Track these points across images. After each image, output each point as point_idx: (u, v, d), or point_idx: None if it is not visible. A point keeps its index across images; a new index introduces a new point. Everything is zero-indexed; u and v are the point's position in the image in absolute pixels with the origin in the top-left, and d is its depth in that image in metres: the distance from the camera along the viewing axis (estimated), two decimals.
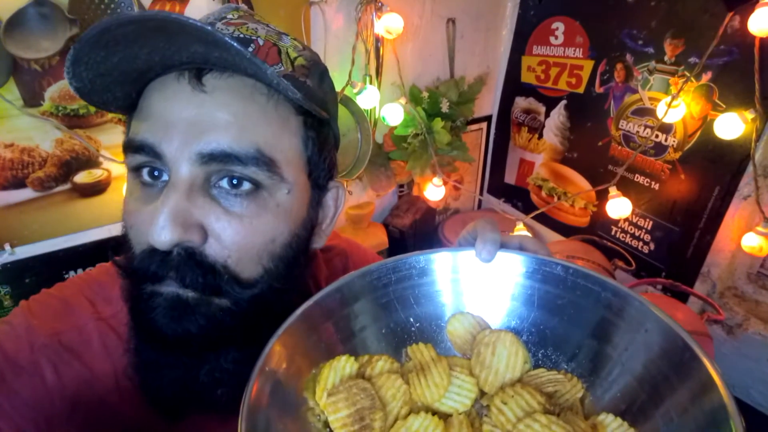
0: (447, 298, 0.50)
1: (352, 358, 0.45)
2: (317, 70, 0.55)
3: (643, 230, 1.57)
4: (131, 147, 0.48)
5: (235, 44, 0.41)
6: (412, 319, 0.50)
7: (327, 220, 0.60)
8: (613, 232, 1.67)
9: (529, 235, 0.52)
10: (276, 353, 0.41)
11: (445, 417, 0.43)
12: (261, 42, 0.49)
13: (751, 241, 1.26)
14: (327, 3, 1.38)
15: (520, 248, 0.49)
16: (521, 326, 0.49)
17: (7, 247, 1.15)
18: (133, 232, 0.49)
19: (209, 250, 0.47)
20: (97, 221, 1.26)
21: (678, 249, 1.49)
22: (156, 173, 0.48)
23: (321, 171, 0.56)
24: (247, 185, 0.48)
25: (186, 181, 0.46)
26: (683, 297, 1.47)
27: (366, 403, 0.42)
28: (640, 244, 1.60)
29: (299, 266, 0.55)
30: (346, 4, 1.42)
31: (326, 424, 0.43)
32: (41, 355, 0.52)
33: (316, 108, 0.52)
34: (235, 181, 0.48)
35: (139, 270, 0.48)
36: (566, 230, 1.83)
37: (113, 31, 0.41)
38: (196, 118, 0.46)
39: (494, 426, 0.42)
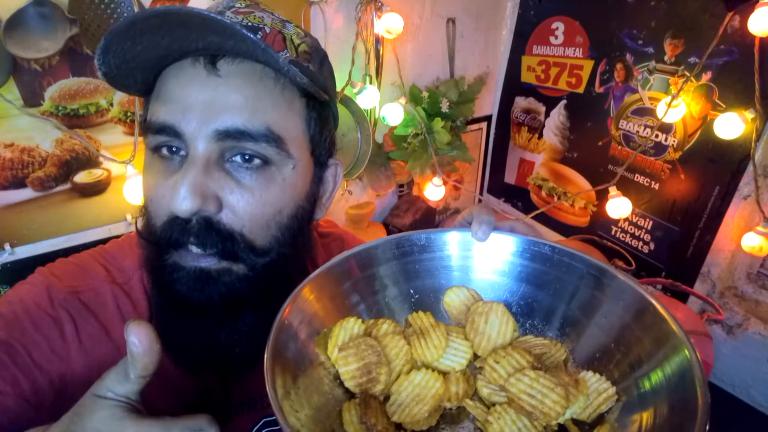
0: (444, 273, 0.56)
1: (360, 320, 0.50)
2: (318, 55, 0.59)
3: (643, 230, 1.57)
4: (152, 128, 0.53)
5: (252, 35, 0.46)
6: (412, 291, 0.55)
7: (327, 194, 0.66)
8: (613, 232, 1.67)
9: (520, 220, 0.55)
10: (294, 310, 0.46)
11: (443, 375, 0.48)
12: (267, 30, 0.53)
13: (751, 241, 1.26)
14: (327, 3, 1.38)
15: (512, 231, 0.54)
16: (511, 299, 0.54)
17: (7, 247, 1.15)
18: (154, 205, 0.54)
19: (225, 219, 0.52)
20: (97, 221, 1.26)
21: (678, 249, 1.49)
22: (174, 149, 0.53)
23: (322, 149, 0.61)
24: (257, 161, 0.53)
25: (203, 156, 0.51)
26: (683, 297, 1.47)
27: (373, 359, 0.46)
28: (640, 243, 1.60)
29: (303, 235, 0.61)
30: (346, 4, 1.42)
31: (336, 377, 0.47)
32: (61, 309, 0.56)
33: (318, 91, 0.56)
34: (246, 157, 0.52)
35: (162, 238, 0.52)
36: (566, 230, 1.83)
37: (140, 23, 0.46)
38: (211, 100, 0.51)
39: (488, 382, 0.47)
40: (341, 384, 0.47)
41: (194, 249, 0.52)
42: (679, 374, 0.40)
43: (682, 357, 0.40)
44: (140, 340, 0.36)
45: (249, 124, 0.51)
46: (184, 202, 0.48)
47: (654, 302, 0.45)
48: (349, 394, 0.47)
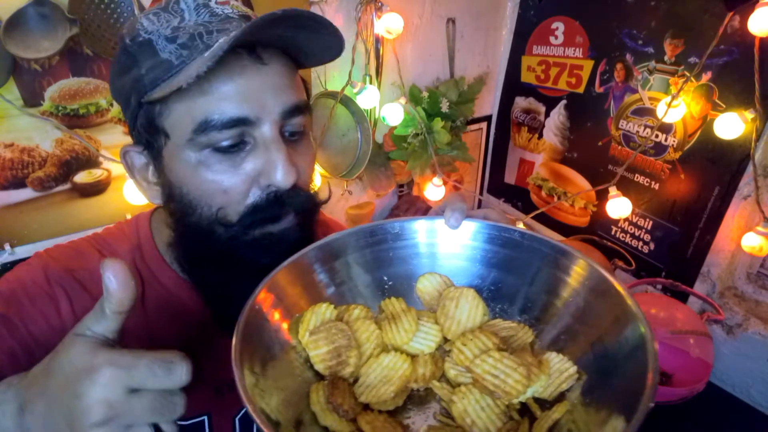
0: (418, 260, 0.57)
1: (332, 305, 0.51)
2: None
3: (643, 230, 1.57)
4: (219, 125, 0.54)
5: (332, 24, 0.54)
6: (386, 278, 0.57)
7: None
8: (613, 232, 1.67)
9: (493, 209, 0.56)
10: (266, 295, 0.48)
11: (411, 357, 0.50)
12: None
13: (751, 241, 1.26)
14: (327, 3, 1.38)
15: (484, 218, 0.55)
16: (482, 284, 0.56)
17: (7, 247, 1.15)
18: (227, 196, 0.56)
19: (300, 183, 0.59)
20: (97, 221, 1.26)
21: (678, 249, 1.49)
22: (241, 142, 0.56)
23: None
24: (299, 133, 0.60)
25: (276, 135, 0.56)
26: (683, 297, 1.47)
27: (343, 342, 0.47)
28: (640, 244, 1.59)
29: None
30: (346, 4, 1.42)
31: (306, 360, 0.48)
32: (57, 286, 0.59)
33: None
34: (293, 130, 0.59)
35: (256, 220, 0.57)
36: (566, 230, 1.83)
37: (288, 19, 0.51)
38: (267, 85, 0.55)
39: (455, 364, 0.48)
40: (311, 367, 0.48)
41: (287, 217, 0.58)
42: (635, 348, 0.42)
43: (638, 333, 0.42)
44: (115, 276, 0.36)
45: (298, 100, 0.58)
46: (288, 176, 0.55)
47: (613, 281, 0.46)
48: (320, 377, 0.48)
